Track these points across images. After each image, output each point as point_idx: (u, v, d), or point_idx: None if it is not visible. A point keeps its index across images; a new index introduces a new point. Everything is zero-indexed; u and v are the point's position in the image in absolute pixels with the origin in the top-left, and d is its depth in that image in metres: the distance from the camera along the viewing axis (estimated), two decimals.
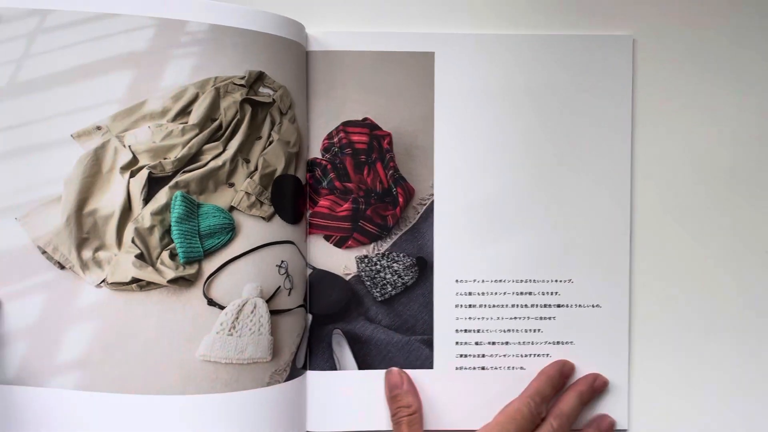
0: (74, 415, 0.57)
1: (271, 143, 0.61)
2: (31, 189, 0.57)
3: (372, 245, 0.66)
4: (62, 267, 0.57)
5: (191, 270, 0.59)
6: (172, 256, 0.58)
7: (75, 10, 0.56)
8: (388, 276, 0.66)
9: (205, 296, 0.59)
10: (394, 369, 0.66)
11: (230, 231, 0.60)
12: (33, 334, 0.57)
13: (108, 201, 0.58)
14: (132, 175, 0.58)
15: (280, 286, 0.61)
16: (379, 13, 0.67)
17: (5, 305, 0.57)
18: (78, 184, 0.57)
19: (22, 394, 0.57)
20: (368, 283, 0.66)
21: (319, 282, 0.65)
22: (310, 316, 0.65)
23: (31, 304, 0.57)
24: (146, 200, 0.58)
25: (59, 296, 0.57)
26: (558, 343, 0.68)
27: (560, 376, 0.66)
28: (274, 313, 0.61)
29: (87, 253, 0.57)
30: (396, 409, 0.64)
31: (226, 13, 0.58)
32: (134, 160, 0.58)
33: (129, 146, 0.58)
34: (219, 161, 0.60)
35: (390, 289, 0.66)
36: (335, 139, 0.65)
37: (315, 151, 0.65)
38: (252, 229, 0.61)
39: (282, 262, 0.61)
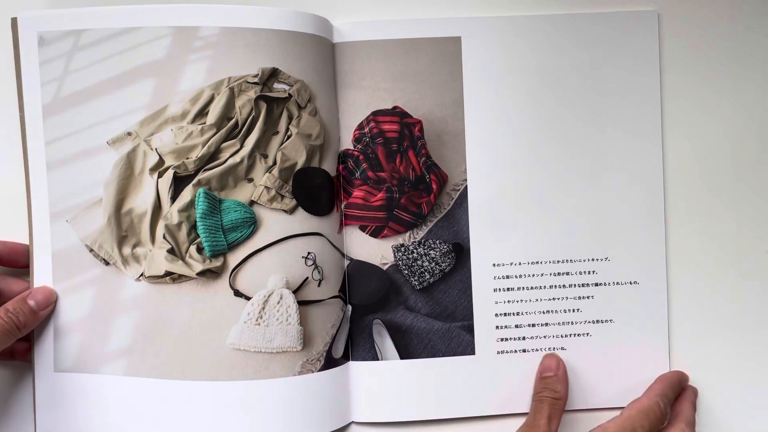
0: (123, 399, 0.62)
1: (289, 137, 0.63)
2: (77, 193, 0.62)
3: (408, 233, 0.66)
4: (107, 263, 0.62)
5: (217, 263, 0.62)
6: (199, 249, 0.62)
7: (104, 27, 0.61)
8: (426, 264, 0.65)
9: (232, 287, 0.62)
10: (555, 354, 0.66)
11: (252, 224, 0.62)
12: (86, 325, 0.62)
13: (141, 200, 0.62)
14: (160, 176, 0.62)
15: (307, 277, 0.63)
16: (404, 0, 0.66)
17: (62, 300, 0.63)
18: (115, 186, 0.62)
19: (79, 380, 0.63)
20: (406, 271, 0.66)
21: (357, 273, 0.66)
22: (349, 307, 0.65)
23: (83, 298, 0.63)
24: (173, 198, 0.62)
25: (106, 290, 0.62)
26: (597, 321, 0.66)
27: (679, 385, 0.65)
28: (303, 303, 0.62)
29: (126, 250, 0.62)
30: (542, 388, 0.63)
31: (235, 15, 0.61)
32: (161, 161, 0.62)
33: (156, 149, 0.62)
34: (237, 158, 0.62)
35: (428, 276, 0.66)
36: (366, 129, 0.65)
37: (347, 143, 0.66)
38: (274, 223, 0.63)
39: (308, 253, 0.63)
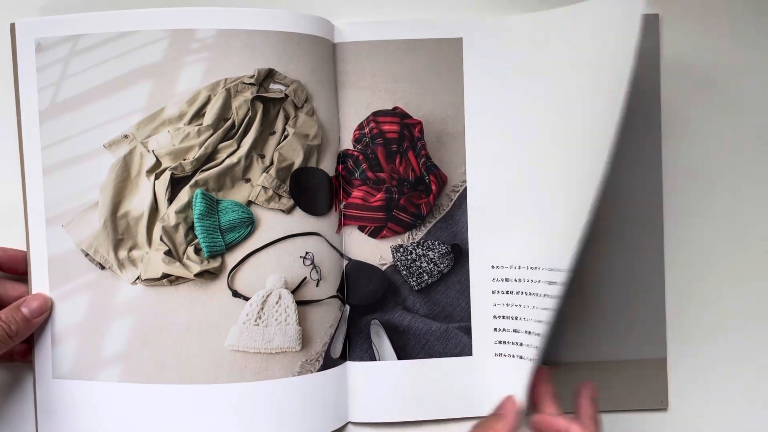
0: (122, 406, 0.61)
1: (286, 137, 0.63)
2: (73, 198, 0.62)
3: (407, 234, 0.66)
4: (102, 267, 0.62)
5: (215, 263, 0.62)
6: (197, 251, 0.62)
7: (100, 32, 0.62)
8: (424, 264, 0.65)
9: (230, 288, 0.62)
10: (513, 396, 0.59)
11: (250, 225, 0.62)
12: (82, 331, 0.62)
13: (138, 203, 0.62)
14: (157, 177, 0.62)
15: (306, 277, 0.63)
16: (405, 0, 0.67)
17: (58, 306, 0.62)
18: (111, 190, 0.62)
19: (77, 387, 0.62)
20: (404, 272, 0.66)
21: (356, 273, 0.66)
22: (347, 307, 0.65)
23: (79, 304, 0.62)
24: (170, 200, 0.62)
25: (101, 295, 0.62)
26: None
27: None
28: (301, 303, 0.62)
29: (123, 253, 0.62)
30: (480, 423, 0.59)
31: (232, 17, 0.61)
32: (158, 163, 0.62)
33: (152, 151, 0.62)
34: (234, 158, 0.62)
35: (426, 277, 0.66)
36: (366, 130, 0.66)
37: (346, 143, 0.66)
38: (272, 223, 0.63)
39: (306, 253, 0.63)
